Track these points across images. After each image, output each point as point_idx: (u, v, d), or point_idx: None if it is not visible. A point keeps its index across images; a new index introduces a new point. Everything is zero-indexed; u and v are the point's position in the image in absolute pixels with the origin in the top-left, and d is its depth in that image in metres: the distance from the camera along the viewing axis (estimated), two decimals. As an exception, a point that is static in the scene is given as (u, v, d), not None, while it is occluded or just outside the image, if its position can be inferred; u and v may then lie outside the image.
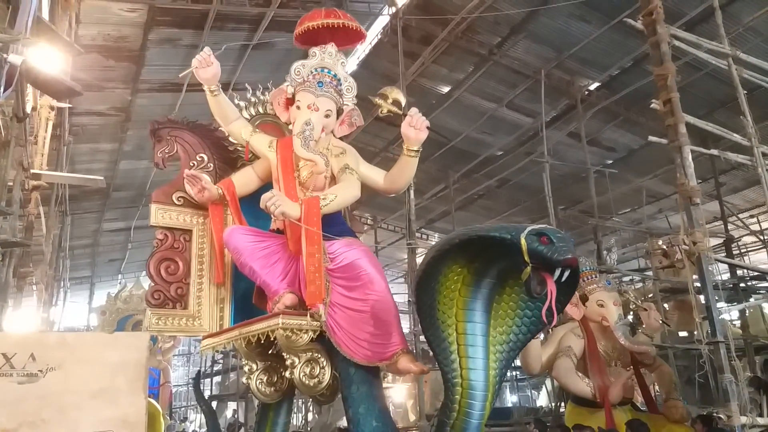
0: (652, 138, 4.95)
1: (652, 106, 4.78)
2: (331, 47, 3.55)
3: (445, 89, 10.61)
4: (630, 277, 12.21)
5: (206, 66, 3.34)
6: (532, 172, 11.20)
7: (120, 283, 15.37)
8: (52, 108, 7.93)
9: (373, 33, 9.63)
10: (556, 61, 9.67)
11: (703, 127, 5.09)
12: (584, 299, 5.83)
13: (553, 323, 2.72)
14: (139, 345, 3.23)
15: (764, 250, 12.22)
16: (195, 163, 3.63)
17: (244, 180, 3.56)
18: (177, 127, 3.71)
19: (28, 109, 6.27)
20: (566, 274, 2.28)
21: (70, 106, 8.75)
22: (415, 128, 3.13)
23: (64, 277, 12.95)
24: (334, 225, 3.20)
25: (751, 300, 9.30)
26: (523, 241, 2.29)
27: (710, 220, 11.51)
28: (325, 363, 3.10)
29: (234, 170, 3.66)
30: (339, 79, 3.52)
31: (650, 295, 8.70)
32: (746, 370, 6.73)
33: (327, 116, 3.41)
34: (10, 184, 5.76)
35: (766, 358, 6.41)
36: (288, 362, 3.06)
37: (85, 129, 10.79)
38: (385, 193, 3.55)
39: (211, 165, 3.68)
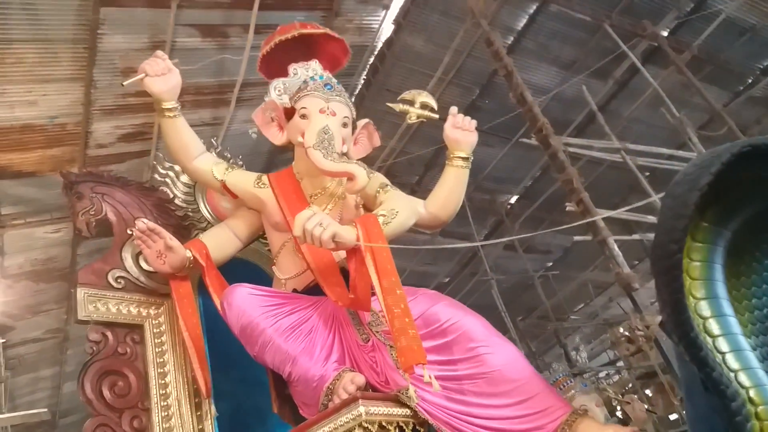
0: (576, 237, 5.21)
1: (567, 209, 5.08)
2: (314, 63, 2.63)
3: (380, 234, 10.95)
4: (605, 372, 12.13)
5: (162, 74, 2.34)
6: (482, 291, 11.37)
7: None
8: (-16, 349, 7.59)
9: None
10: (474, 185, 10.26)
11: (618, 217, 5.42)
12: (566, 408, 5.70)
13: None
14: None
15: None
16: (133, 231, 2.47)
17: (217, 240, 2.48)
18: (102, 182, 2.67)
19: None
20: None
21: (4, 340, 8.40)
22: (463, 129, 2.44)
23: None
24: None
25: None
26: None
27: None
28: None
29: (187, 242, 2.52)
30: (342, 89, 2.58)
31: (630, 386, 8.59)
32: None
33: (344, 125, 2.44)
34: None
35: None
36: None
37: (22, 359, 10.25)
38: (431, 226, 2.66)
39: None
